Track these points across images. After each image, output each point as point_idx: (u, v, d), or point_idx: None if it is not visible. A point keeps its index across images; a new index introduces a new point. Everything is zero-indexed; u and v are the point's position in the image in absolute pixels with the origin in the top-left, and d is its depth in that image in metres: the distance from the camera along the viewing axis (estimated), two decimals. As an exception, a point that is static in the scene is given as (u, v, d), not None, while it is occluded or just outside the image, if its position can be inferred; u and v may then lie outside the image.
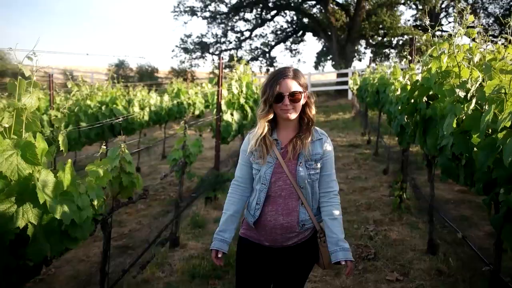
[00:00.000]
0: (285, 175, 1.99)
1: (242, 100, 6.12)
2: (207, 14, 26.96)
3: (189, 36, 27.47)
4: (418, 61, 4.58)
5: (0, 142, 1.62)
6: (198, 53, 27.74)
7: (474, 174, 2.42)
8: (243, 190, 2.10)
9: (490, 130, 2.30)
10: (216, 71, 26.59)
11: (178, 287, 3.44)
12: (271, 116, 1.99)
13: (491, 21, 30.54)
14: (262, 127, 1.99)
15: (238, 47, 28.06)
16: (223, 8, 27.24)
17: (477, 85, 2.56)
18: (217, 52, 27.77)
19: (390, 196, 5.55)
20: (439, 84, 3.06)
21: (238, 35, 27.86)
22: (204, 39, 27.44)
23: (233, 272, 3.10)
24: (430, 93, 3.41)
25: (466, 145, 2.50)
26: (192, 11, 26.58)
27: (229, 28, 27.59)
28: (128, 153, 2.84)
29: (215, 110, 5.51)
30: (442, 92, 2.94)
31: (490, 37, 3.41)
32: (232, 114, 5.75)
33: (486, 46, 3.16)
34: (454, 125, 2.60)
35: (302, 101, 1.99)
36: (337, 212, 2.04)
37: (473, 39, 3.29)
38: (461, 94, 2.63)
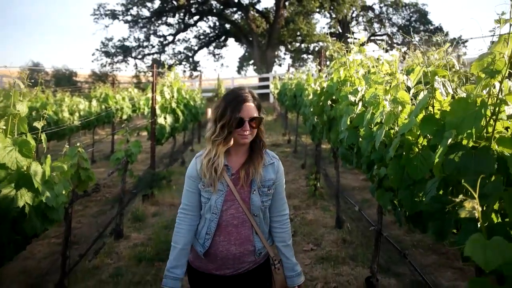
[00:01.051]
0: (237, 203, 1.89)
1: (174, 105, 6.63)
2: (129, 18, 26.74)
3: (110, 39, 27.02)
4: (327, 70, 5.48)
5: (2, 140, 2.07)
6: (120, 57, 27.36)
7: (361, 158, 3.25)
8: (192, 219, 1.95)
9: (371, 125, 3.14)
10: (141, 75, 26.37)
11: (127, 270, 3.91)
12: (231, 143, 1.87)
13: (395, 30, 33.78)
14: (218, 154, 1.85)
15: (161, 51, 28.13)
16: (145, 13, 27.22)
17: (362, 92, 3.41)
18: (139, 56, 27.61)
19: (306, 186, 6.43)
20: (338, 91, 3.90)
21: (161, 39, 27.97)
22: (126, 43, 27.16)
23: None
24: (333, 97, 4.26)
25: (356, 137, 3.33)
26: (113, 15, 26.20)
27: (151, 32, 27.59)
28: (84, 152, 3.29)
29: (149, 114, 5.97)
30: (340, 97, 3.78)
31: (395, 45, 4.36)
32: (165, 118, 6.24)
33: (377, 59, 4.05)
34: (348, 123, 3.42)
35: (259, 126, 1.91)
36: (289, 237, 2.05)
37: (387, 50, 4.16)
38: (352, 98, 3.47)
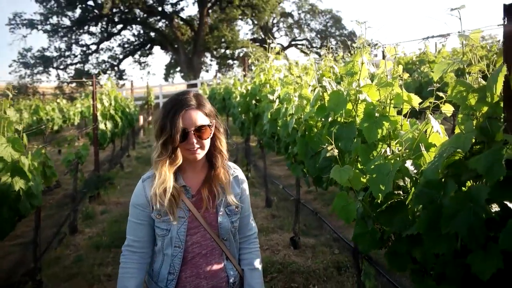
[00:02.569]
0: (202, 228, 1.60)
1: (112, 112, 7.12)
2: (48, 27, 25.93)
3: (29, 50, 25.99)
4: (251, 75, 6.36)
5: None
6: (40, 68, 26.41)
7: (280, 143, 4.12)
8: (142, 257, 1.63)
9: (286, 117, 4.01)
10: (65, 86, 25.62)
11: (87, 256, 4.44)
12: (179, 161, 1.55)
13: (313, 35, 36.02)
14: (165, 176, 1.51)
15: (85, 60, 27.61)
16: (66, 21, 26.58)
17: (278, 92, 4.29)
18: (61, 66, 26.86)
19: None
20: (260, 92, 4.76)
21: (84, 48, 27.46)
22: (47, 53, 26.30)
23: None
24: (257, 97, 5.12)
25: (275, 127, 4.19)
26: (31, 24, 25.29)
27: (73, 41, 26.99)
28: (46, 153, 3.82)
29: (90, 120, 6.43)
30: (262, 96, 4.64)
31: (314, 48, 5.36)
32: (105, 124, 6.72)
33: (293, 64, 4.97)
34: (269, 116, 4.28)
35: (210, 135, 1.58)
36: (258, 261, 1.78)
37: (307, 54, 5.07)
38: (271, 97, 4.34)
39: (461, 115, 1.68)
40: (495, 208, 1.40)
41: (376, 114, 2.26)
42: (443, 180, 1.61)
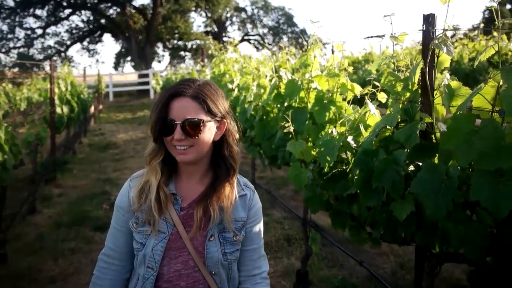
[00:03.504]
0: (185, 252, 1.29)
1: (69, 96, 7.14)
2: (-11, 7, 24.50)
3: (-34, 31, 24.43)
4: (208, 66, 6.66)
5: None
6: (-21, 50, 24.93)
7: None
8: (118, 272, 1.37)
9: (244, 104, 4.38)
10: (6, 70, 24.32)
11: (49, 233, 4.57)
12: (161, 156, 1.30)
13: (266, 31, 36.61)
14: (152, 173, 1.29)
15: (29, 44, 26.34)
16: (9, 2, 25.25)
17: (237, 81, 4.65)
18: (3, 50, 25.48)
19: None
20: (219, 81, 5.10)
21: (28, 32, 26.18)
22: (-14, 35, 24.83)
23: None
24: (216, 87, 5.44)
25: (234, 115, 4.55)
26: (-30, 3, 23.77)
27: (16, 24, 25.65)
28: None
29: (47, 104, 6.44)
30: (221, 86, 4.98)
31: (266, 44, 5.76)
32: (62, 108, 6.75)
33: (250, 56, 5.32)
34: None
35: (208, 135, 1.26)
36: None
37: (258, 49, 5.44)
38: (230, 86, 4.69)
39: (390, 100, 2.13)
40: (411, 167, 1.85)
41: (325, 101, 2.68)
42: (376, 150, 2.05)
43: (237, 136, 1.39)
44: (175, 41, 30.36)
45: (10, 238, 4.35)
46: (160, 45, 30.52)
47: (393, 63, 2.14)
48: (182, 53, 31.79)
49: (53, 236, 4.47)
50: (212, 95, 1.27)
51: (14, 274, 3.62)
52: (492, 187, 1.40)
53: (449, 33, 2.01)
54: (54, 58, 27.37)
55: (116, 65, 30.86)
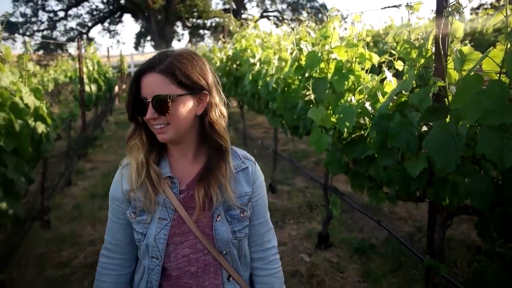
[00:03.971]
0: (192, 236, 1.22)
1: (96, 75, 7.42)
2: (13, -9, 24.99)
3: (-8, 15, 25.00)
4: (229, 42, 6.79)
5: (23, 87, 3.03)
6: (5, 34, 25.50)
7: (261, 102, 4.65)
8: (120, 266, 1.31)
9: (266, 77, 4.53)
10: (32, 54, 24.97)
11: (85, 203, 4.90)
12: (138, 135, 1.23)
13: (284, 7, 36.14)
14: (131, 153, 1.23)
15: (52, 27, 26.84)
16: (32, -14, 25.62)
17: (259, 55, 4.79)
18: (28, 33, 26.05)
19: (219, 139, 7.81)
20: (241, 56, 5.25)
21: (51, 15, 26.63)
22: (12, 19, 25.39)
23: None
24: (237, 62, 5.60)
25: (256, 88, 4.71)
26: (-6, -12, 24.23)
27: (39, 7, 26.10)
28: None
29: (77, 83, 6.73)
30: (243, 60, 5.13)
31: (285, 20, 5.80)
32: (90, 87, 7.03)
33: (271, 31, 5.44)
34: (250, 78, 4.79)
35: (184, 110, 1.16)
36: (280, 285, 1.36)
37: (277, 26, 5.54)
38: (252, 61, 4.83)
39: (406, 66, 2.26)
40: (424, 128, 1.99)
41: (344, 70, 2.81)
42: (392, 114, 2.19)
43: (222, 109, 1.26)
44: (194, 20, 30.37)
45: (51, 207, 4.69)
46: (179, 24, 30.59)
47: (409, 31, 2.25)
48: (201, 31, 31.83)
49: (89, 205, 4.79)
50: (185, 66, 1.14)
51: (58, 238, 3.95)
52: (497, 141, 1.54)
53: (475, 3, 2.10)
54: (77, 39, 27.83)
55: (137, 45, 31.20)
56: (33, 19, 26.21)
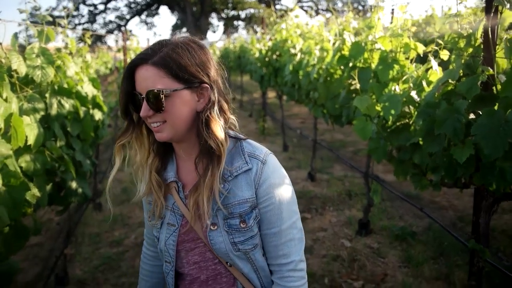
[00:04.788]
0: (202, 244, 1.15)
1: (139, 66, 7.72)
2: (56, -15, 25.92)
3: (38, 9, 26.01)
4: (268, 33, 6.88)
5: (83, 77, 3.25)
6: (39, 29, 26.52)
7: (301, 91, 4.73)
8: (154, 258, 1.36)
9: (307, 68, 4.61)
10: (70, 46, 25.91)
11: (131, 188, 5.16)
12: (130, 134, 1.14)
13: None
14: (117, 154, 1.17)
15: (92, 20, 27.70)
16: (72, -20, 26.51)
17: (300, 45, 4.86)
18: (70, 26, 26.96)
19: (256, 128, 7.94)
20: (282, 47, 5.33)
21: (91, 8, 27.47)
22: (55, 13, 26.37)
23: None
24: (277, 52, 5.68)
25: (297, 78, 4.79)
26: (38, -18, 25.22)
27: (80, 1, 26.98)
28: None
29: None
30: (283, 51, 5.21)
31: (320, 10, 5.88)
32: (134, 77, 7.33)
33: (308, 21, 5.50)
34: (291, 68, 4.87)
35: (181, 106, 1.05)
36: None
37: (312, 16, 5.60)
38: (293, 51, 4.91)
39: (453, 56, 2.30)
40: (471, 116, 2.04)
41: (389, 60, 2.87)
42: (438, 102, 2.24)
43: (224, 106, 1.13)
44: (229, 11, 30.53)
45: (102, 190, 4.98)
46: (214, 15, 30.85)
47: (457, 21, 2.29)
48: (235, 22, 31.97)
49: (135, 190, 5.04)
50: (181, 57, 1.03)
51: (109, 219, 4.21)
52: (546, 127, 1.59)
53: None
54: (121, 32, 28.60)
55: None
56: (75, 13, 27.12)
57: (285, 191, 1.13)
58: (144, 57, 1.03)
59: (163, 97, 1.01)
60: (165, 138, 1.08)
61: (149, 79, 1.02)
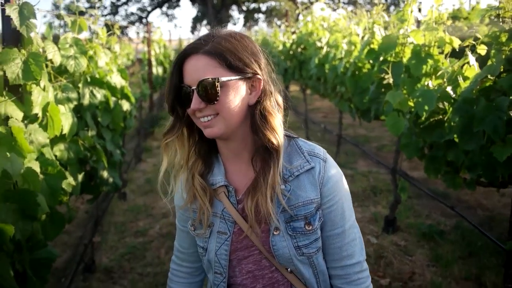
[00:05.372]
0: (256, 251, 1.08)
1: (162, 58, 7.74)
2: (79, -23, 26.21)
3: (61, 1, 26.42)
4: (292, 26, 6.82)
5: (112, 68, 3.27)
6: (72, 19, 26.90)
7: (327, 85, 4.67)
8: (190, 273, 1.25)
9: (334, 61, 4.55)
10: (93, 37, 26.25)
11: (155, 179, 5.19)
12: (177, 131, 1.05)
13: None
14: (165, 153, 1.10)
15: (114, 12, 27.96)
16: (94, -28, 26.74)
17: (326, 39, 4.80)
18: (93, 19, 27.28)
19: (278, 122, 7.92)
20: (307, 40, 5.27)
21: (114, 0, 27.73)
22: (78, 4, 26.68)
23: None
24: (302, 46, 5.63)
25: (323, 72, 4.73)
26: (63, -26, 25.55)
27: (103, -8, 27.26)
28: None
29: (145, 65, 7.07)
30: (309, 44, 5.16)
31: (341, 4, 5.81)
32: (157, 69, 7.36)
33: (332, 15, 5.42)
34: (317, 61, 4.81)
35: (235, 97, 0.99)
36: None
37: (334, 10, 5.53)
38: (319, 44, 4.85)
39: (493, 50, 2.22)
40: (512, 113, 1.97)
41: (422, 54, 2.79)
42: (476, 98, 2.17)
43: (279, 99, 1.09)
44: (250, 3, 30.41)
45: (127, 181, 5.04)
46: (235, 8, 30.78)
47: (498, 14, 2.21)
48: (256, 15, 31.84)
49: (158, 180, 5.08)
50: (234, 47, 0.99)
51: (134, 209, 4.26)
52: None
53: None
54: (136, 24, 28.85)
55: (193, 29, 31.77)
56: (98, 5, 27.37)
57: (345, 189, 1.10)
58: (196, 47, 0.98)
59: (219, 86, 0.95)
60: (216, 133, 1.00)
61: (201, 69, 0.96)
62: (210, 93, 0.95)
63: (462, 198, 3.99)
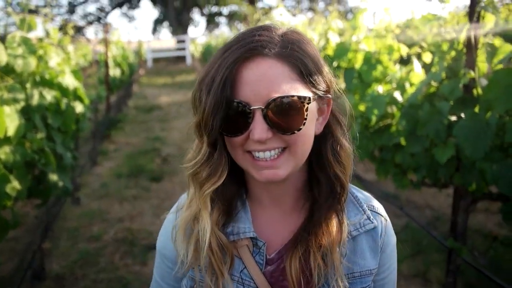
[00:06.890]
0: None
1: (119, 60, 7.59)
2: (33, -26, 25.21)
3: (14, -3, 25.32)
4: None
5: (65, 69, 3.18)
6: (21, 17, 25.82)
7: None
8: None
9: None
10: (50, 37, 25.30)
11: (111, 182, 5.09)
12: (223, 177, 0.74)
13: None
14: (204, 207, 0.76)
15: (71, 11, 27.08)
16: (50, -31, 25.81)
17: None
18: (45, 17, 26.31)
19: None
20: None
21: (71, -1, 26.88)
22: (33, 2, 25.65)
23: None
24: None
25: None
26: (15, -30, 24.50)
27: (59, -10, 26.33)
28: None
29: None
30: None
31: (300, 10, 5.91)
32: (114, 71, 7.21)
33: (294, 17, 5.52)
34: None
35: (311, 126, 0.73)
36: None
37: (294, 15, 5.61)
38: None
39: (436, 59, 2.35)
40: (453, 118, 2.09)
41: (373, 61, 2.91)
42: (421, 103, 2.29)
43: (341, 121, 0.80)
44: (211, 7, 30.35)
45: (80, 185, 4.89)
46: (196, 10, 30.62)
47: (440, 24, 2.34)
48: (217, 19, 31.79)
49: (115, 184, 4.97)
50: (315, 53, 0.72)
51: (88, 214, 4.14)
52: (525, 130, 1.64)
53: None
54: (95, 24, 28.09)
55: (154, 31, 31.32)
56: (53, 3, 26.46)
57: (396, 256, 0.88)
58: (262, 45, 0.67)
59: (307, 110, 0.68)
60: (280, 177, 0.71)
61: (274, 80, 0.66)
62: (289, 118, 0.67)
63: (411, 199, 4.16)
